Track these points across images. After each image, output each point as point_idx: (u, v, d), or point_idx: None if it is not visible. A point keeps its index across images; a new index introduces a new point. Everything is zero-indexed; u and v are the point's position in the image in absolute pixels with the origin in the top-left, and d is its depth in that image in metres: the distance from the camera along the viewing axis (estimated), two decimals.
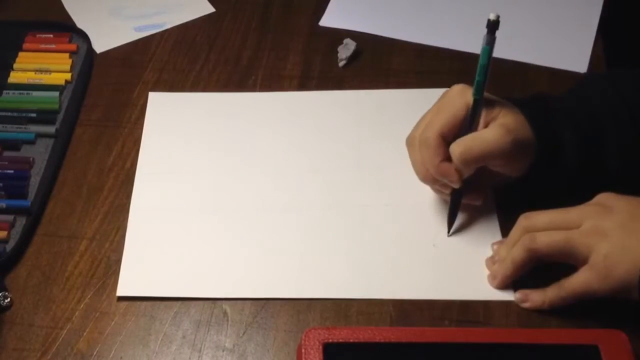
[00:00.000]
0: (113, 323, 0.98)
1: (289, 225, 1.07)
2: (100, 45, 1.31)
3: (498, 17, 0.96)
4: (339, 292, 1.00)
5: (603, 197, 0.95)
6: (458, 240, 1.05)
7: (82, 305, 1.00)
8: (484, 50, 0.98)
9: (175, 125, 1.19)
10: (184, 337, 0.97)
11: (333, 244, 1.05)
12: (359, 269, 1.02)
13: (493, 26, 0.97)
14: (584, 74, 1.18)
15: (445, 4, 1.36)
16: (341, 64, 1.26)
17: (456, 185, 1.01)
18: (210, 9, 1.38)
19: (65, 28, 1.32)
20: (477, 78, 0.99)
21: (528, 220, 0.97)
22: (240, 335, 0.97)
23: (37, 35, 1.30)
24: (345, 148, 1.15)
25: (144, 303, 1.00)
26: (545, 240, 0.94)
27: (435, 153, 1.00)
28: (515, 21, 1.31)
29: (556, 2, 1.35)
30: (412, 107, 1.10)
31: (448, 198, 1.05)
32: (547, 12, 1.33)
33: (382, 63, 1.26)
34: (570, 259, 0.94)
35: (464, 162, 0.98)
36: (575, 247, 0.93)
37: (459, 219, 1.06)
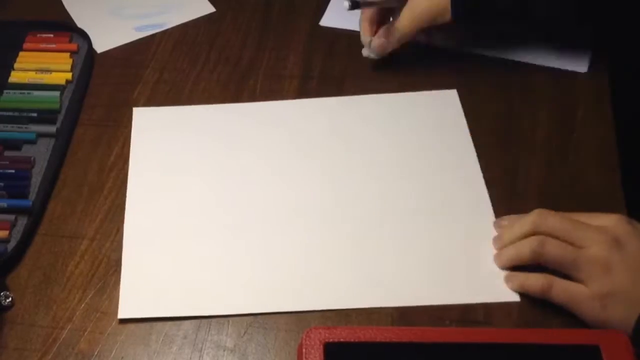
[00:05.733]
0: (114, 323, 0.99)
1: (288, 235, 1.06)
2: (101, 45, 1.31)
3: None
4: (340, 302, 1.00)
5: (619, 229, 0.95)
6: (457, 243, 1.05)
7: (83, 305, 1.00)
8: None
9: (162, 140, 1.18)
10: (185, 337, 0.97)
11: (333, 253, 1.05)
12: (359, 278, 1.02)
13: None
14: None
15: None
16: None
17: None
18: (210, 8, 1.38)
19: (66, 28, 1.32)
20: None
21: (540, 218, 0.98)
22: (241, 335, 0.97)
23: (38, 35, 1.30)
24: (343, 156, 1.15)
25: None
26: (554, 251, 0.95)
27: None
28: None
29: None
30: (413, 110, 1.10)
31: None
32: None
33: (383, 63, 1.26)
34: (566, 271, 0.95)
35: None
36: (578, 269, 0.94)
37: (456, 221, 1.06)
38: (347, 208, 1.09)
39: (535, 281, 0.97)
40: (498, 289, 0.99)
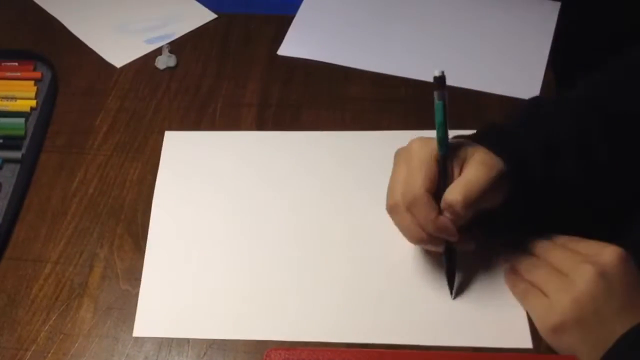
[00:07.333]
0: (77, 344, 1.00)
1: (291, 266, 1.08)
2: (117, 60, 1.36)
3: (443, 72, 1.00)
4: (364, 336, 1.01)
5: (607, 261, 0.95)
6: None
7: (46, 327, 1.02)
8: (437, 106, 1.00)
9: (189, 164, 1.20)
10: (146, 358, 0.99)
11: (330, 289, 1.06)
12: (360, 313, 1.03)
13: (439, 80, 1.00)
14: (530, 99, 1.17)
15: (399, 34, 1.38)
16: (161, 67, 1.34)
17: (454, 238, 1.00)
18: (211, 15, 1.43)
19: (30, 56, 1.34)
20: (438, 135, 1.00)
21: (528, 274, 1.02)
22: (201, 356, 0.99)
23: (2, 64, 1.33)
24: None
25: (107, 325, 1.02)
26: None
27: (429, 209, 0.99)
28: (467, 50, 1.35)
29: (508, 31, 1.38)
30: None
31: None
32: (499, 41, 1.36)
33: (339, 91, 1.29)
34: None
35: (468, 206, 0.98)
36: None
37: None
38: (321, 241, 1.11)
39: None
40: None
